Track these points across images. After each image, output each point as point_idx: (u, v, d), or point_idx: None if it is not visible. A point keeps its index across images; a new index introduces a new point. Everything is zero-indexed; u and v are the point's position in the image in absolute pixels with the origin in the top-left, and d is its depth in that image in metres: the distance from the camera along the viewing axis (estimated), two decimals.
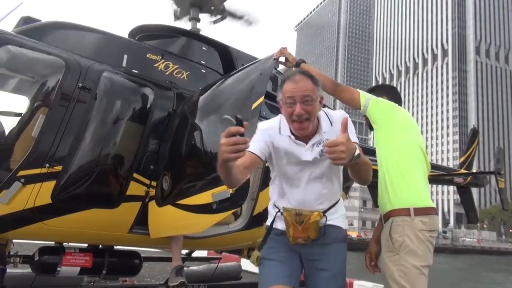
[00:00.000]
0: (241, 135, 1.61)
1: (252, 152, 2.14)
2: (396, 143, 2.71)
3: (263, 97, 3.05)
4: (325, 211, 2.23)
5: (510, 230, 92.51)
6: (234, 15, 6.27)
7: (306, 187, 2.22)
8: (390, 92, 3.10)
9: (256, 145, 2.18)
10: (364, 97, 2.81)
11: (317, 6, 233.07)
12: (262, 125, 2.31)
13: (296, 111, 2.04)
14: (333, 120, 2.22)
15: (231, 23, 6.34)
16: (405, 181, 2.62)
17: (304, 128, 2.09)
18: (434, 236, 2.59)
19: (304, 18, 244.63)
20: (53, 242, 4.08)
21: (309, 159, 2.19)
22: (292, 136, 2.18)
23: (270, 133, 2.23)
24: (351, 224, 72.33)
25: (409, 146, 2.72)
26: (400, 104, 2.98)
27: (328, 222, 2.24)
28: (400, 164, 2.66)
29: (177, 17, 6.19)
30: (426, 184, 2.74)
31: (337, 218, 2.29)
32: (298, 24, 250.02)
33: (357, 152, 1.83)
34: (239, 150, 1.63)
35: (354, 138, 2.09)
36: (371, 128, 2.90)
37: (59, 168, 3.47)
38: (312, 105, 2.07)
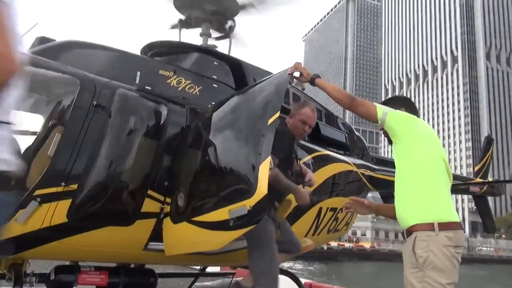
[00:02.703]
0: None
1: None
2: (417, 156, 2.67)
3: (279, 112, 3.04)
4: None
5: None
6: (246, 8, 6.26)
7: None
8: (407, 104, 3.07)
9: None
10: (381, 110, 2.78)
11: (324, 17, 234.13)
12: None
13: None
14: None
15: (247, 22, 6.36)
16: (428, 194, 2.57)
17: None
18: (460, 252, 2.53)
19: (312, 29, 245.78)
20: (68, 261, 4.08)
21: None
22: None
23: None
24: (364, 235, 71.38)
25: (430, 159, 2.67)
26: (417, 116, 2.95)
27: None
28: (422, 177, 2.61)
29: (182, 27, 6.14)
30: (450, 197, 2.68)
31: None
32: (306, 35, 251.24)
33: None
34: None
35: None
36: (390, 142, 2.86)
37: (75, 186, 3.47)
38: None
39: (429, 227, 2.48)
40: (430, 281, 2.40)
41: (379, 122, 2.77)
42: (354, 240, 63.85)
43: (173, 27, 6.08)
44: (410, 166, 2.68)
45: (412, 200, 2.62)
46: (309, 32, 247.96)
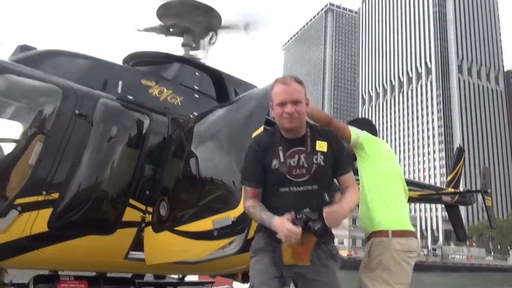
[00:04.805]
0: None
1: None
2: (379, 172, 3.02)
3: (263, 126, 3.14)
4: None
5: (499, 246, 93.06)
6: (231, 27, 6.38)
7: None
8: (368, 125, 3.42)
9: None
10: (355, 134, 3.09)
11: (304, 26, 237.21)
12: None
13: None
14: None
15: (228, 36, 6.46)
16: (387, 206, 2.92)
17: None
18: (412, 256, 2.84)
19: (291, 38, 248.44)
20: (47, 271, 4.05)
21: None
22: None
23: None
24: (342, 243, 71.98)
25: (390, 175, 3.05)
26: (377, 135, 3.36)
27: None
28: (382, 191, 2.97)
29: (158, 32, 6.18)
30: (405, 209, 3.06)
31: None
32: (285, 44, 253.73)
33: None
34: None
35: None
36: (355, 158, 3.13)
37: (56, 195, 3.48)
38: None
39: (384, 234, 2.84)
40: (380, 280, 2.73)
41: (350, 143, 3.10)
42: None
43: (149, 30, 6.08)
44: (372, 181, 3.04)
45: (372, 211, 2.97)
46: (288, 41, 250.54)
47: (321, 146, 2.41)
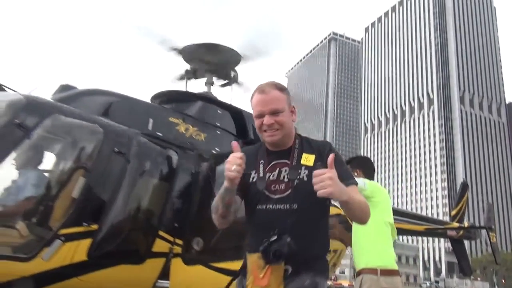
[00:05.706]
0: None
1: None
2: (376, 215, 3.31)
3: None
4: None
5: (503, 280, 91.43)
6: (240, 84, 6.91)
7: None
8: (364, 165, 3.80)
9: None
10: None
11: (307, 54, 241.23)
12: None
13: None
14: None
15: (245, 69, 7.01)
16: (379, 246, 3.34)
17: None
18: None
19: (295, 65, 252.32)
20: None
21: None
22: None
23: None
24: (343, 272, 71.01)
25: (381, 222, 3.46)
26: (373, 174, 3.73)
27: None
28: (374, 233, 3.36)
29: (189, 77, 6.71)
30: (392, 250, 3.49)
31: None
32: (289, 71, 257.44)
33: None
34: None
35: None
36: None
37: (95, 226, 3.78)
38: None
39: (373, 271, 3.25)
40: None
41: None
42: (333, 278, 63.40)
43: (181, 77, 6.59)
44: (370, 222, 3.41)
45: (363, 250, 3.39)
46: (292, 68, 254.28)
47: (307, 159, 2.08)
